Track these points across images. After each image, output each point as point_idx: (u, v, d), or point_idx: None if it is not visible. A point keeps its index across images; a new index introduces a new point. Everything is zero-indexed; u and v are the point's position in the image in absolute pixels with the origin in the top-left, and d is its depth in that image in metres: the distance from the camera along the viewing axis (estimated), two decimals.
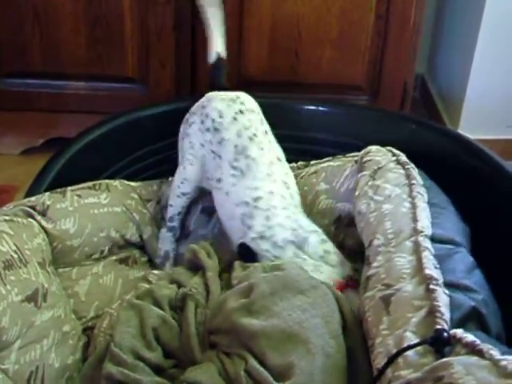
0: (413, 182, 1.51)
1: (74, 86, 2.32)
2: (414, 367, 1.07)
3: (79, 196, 1.57)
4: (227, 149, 1.54)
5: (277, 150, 1.60)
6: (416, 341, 1.10)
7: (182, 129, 1.65)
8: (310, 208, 1.67)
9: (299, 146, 1.87)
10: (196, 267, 1.48)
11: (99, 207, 1.58)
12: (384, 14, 2.20)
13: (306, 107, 1.98)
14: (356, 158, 1.72)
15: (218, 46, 1.71)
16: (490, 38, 2.35)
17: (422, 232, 1.32)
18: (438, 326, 1.10)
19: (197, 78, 2.28)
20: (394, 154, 1.68)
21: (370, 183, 1.54)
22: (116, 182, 1.69)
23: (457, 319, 1.14)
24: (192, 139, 1.59)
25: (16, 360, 1.23)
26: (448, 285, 1.20)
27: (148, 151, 1.89)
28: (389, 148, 1.72)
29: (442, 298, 1.16)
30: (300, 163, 1.82)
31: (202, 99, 1.64)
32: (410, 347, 1.09)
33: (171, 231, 1.68)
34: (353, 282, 1.41)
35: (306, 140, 1.92)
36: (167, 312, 1.37)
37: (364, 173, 1.61)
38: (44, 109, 2.35)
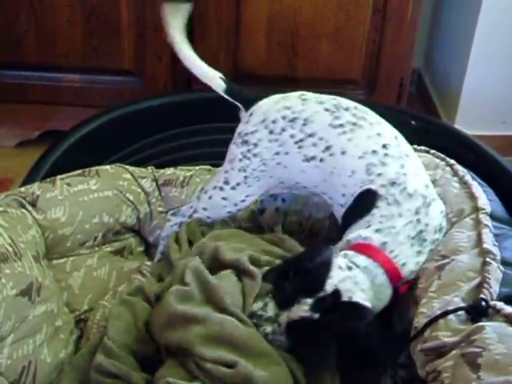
0: (451, 161, 1.50)
1: (70, 78, 2.32)
2: (452, 331, 1.11)
3: (68, 184, 1.55)
4: (319, 119, 1.39)
5: None
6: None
7: (238, 153, 1.46)
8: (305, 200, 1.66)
9: None
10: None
11: (89, 193, 1.56)
12: (381, 8, 2.20)
13: None
14: None
15: (214, 72, 1.52)
16: (487, 34, 2.35)
17: (482, 209, 1.34)
18: (482, 296, 1.14)
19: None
20: None
21: None
22: (107, 166, 1.66)
23: (506, 294, 1.17)
24: (264, 156, 1.43)
25: (9, 355, 1.23)
26: (504, 262, 1.23)
27: (145, 144, 1.89)
28: None
29: (495, 272, 1.19)
30: None
31: (248, 118, 1.45)
32: (449, 312, 1.13)
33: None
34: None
35: None
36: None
37: None
38: (39, 101, 2.35)
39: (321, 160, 1.38)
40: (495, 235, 1.29)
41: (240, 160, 1.44)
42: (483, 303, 1.12)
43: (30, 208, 1.46)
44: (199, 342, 1.21)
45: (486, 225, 1.30)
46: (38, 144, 2.25)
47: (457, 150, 1.77)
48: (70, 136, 1.78)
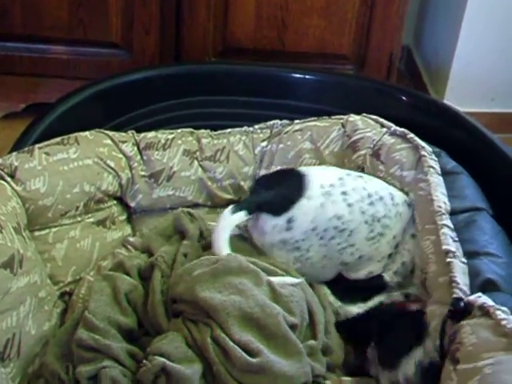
0: (422, 153, 1.54)
1: (57, 50, 2.29)
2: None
3: (47, 153, 1.52)
4: (360, 231, 1.47)
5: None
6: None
7: (291, 257, 1.47)
8: (292, 164, 1.69)
9: (284, 114, 1.86)
10: (176, 231, 1.52)
11: (69, 162, 1.54)
12: None
13: (292, 75, 1.96)
14: (342, 121, 1.71)
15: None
16: (477, 10, 2.34)
17: (439, 212, 1.39)
18: (455, 296, 1.20)
19: (181, 43, 2.26)
20: (382, 125, 1.68)
21: (380, 167, 1.60)
22: (87, 133, 1.63)
23: (478, 284, 1.24)
24: (314, 260, 1.48)
25: None
26: (469, 253, 1.31)
27: (132, 117, 1.87)
28: (374, 117, 1.72)
29: (459, 267, 1.26)
30: (284, 121, 1.81)
31: (288, 225, 1.44)
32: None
33: None
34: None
35: (292, 108, 1.91)
36: (137, 281, 1.39)
37: (360, 153, 1.62)
38: (25, 73, 2.32)
39: (353, 264, 1.51)
40: (457, 228, 1.36)
41: (293, 263, 1.47)
42: (461, 303, 1.17)
43: (8, 179, 1.44)
44: (234, 315, 1.22)
45: (444, 224, 1.36)
46: (24, 117, 2.22)
47: (447, 127, 1.77)
48: (56, 108, 1.75)
